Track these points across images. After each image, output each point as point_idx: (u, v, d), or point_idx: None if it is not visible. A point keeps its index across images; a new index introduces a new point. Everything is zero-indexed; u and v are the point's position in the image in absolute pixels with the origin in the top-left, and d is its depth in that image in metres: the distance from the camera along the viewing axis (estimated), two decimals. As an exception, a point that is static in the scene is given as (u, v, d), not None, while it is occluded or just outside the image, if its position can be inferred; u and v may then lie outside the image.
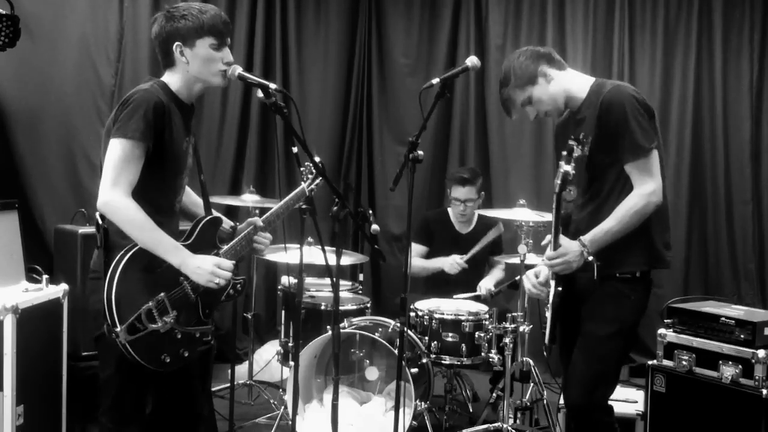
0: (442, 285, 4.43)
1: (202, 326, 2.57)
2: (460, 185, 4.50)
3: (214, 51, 2.54)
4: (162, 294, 2.43)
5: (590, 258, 2.66)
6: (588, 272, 2.69)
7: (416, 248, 4.60)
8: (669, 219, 2.85)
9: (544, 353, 2.80)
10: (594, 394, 2.78)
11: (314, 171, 2.86)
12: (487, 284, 4.45)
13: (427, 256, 4.64)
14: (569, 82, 2.82)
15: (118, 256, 2.38)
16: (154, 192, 2.49)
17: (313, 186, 2.90)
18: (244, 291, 2.73)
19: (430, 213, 4.96)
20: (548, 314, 2.85)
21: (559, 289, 2.75)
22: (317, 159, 2.66)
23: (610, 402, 2.85)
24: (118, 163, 2.38)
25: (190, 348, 2.53)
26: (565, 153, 2.56)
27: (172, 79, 2.57)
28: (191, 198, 2.81)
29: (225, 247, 2.66)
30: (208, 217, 2.65)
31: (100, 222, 2.47)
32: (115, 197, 2.37)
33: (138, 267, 2.40)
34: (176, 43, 2.52)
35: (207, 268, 2.47)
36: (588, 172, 2.77)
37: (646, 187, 2.65)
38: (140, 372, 2.44)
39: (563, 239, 2.69)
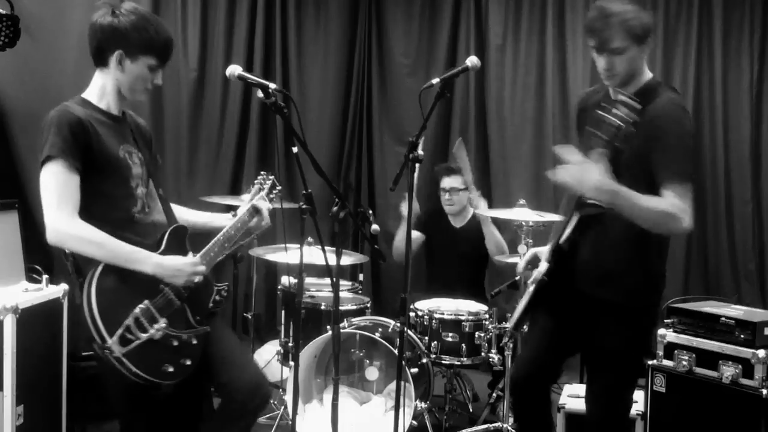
0: (441, 288, 4.43)
1: (196, 330, 2.51)
2: (445, 175, 4.61)
3: (149, 71, 2.50)
4: (146, 301, 2.37)
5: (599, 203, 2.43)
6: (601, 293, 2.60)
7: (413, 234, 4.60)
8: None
9: (504, 338, 2.71)
10: (617, 406, 2.81)
11: (264, 186, 2.86)
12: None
13: (424, 245, 4.68)
14: (644, 65, 2.62)
15: (89, 273, 2.33)
16: (103, 206, 2.42)
17: (260, 197, 2.85)
18: (229, 297, 2.71)
19: (427, 205, 4.94)
20: (525, 297, 2.77)
21: (547, 266, 2.65)
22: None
23: None
24: (53, 188, 2.32)
25: (191, 356, 2.47)
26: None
27: (93, 89, 2.53)
28: (188, 213, 2.78)
29: (199, 254, 2.59)
30: (171, 227, 2.58)
31: (66, 252, 2.41)
32: (62, 223, 2.31)
33: (113, 279, 2.34)
34: (119, 51, 2.46)
35: (186, 269, 2.45)
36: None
37: (685, 209, 2.42)
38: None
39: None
